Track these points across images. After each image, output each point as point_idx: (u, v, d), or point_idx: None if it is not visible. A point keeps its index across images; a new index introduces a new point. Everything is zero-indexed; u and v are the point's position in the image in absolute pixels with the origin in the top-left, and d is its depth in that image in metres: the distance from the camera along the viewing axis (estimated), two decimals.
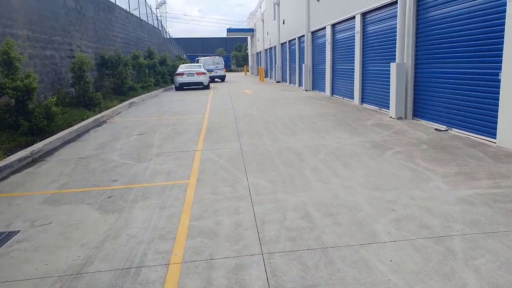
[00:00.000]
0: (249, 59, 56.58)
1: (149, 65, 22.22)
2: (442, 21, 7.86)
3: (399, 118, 9.09)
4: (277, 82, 28.34)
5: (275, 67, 30.16)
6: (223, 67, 31.97)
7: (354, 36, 12.48)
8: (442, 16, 7.85)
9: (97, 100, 12.30)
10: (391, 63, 9.10)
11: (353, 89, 12.73)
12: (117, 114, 12.15)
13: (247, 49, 63.72)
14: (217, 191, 4.65)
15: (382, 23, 10.46)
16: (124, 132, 8.83)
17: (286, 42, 24.98)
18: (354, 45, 12.46)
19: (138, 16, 25.17)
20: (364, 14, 11.58)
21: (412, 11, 8.56)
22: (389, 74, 9.96)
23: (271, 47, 32.16)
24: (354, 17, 12.26)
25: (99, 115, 10.83)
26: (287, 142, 7.11)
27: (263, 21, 36.26)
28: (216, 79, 30.72)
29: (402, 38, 8.76)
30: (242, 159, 6.07)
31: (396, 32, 9.29)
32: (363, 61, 11.92)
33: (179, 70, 22.99)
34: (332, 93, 15.46)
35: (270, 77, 34.10)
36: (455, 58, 7.50)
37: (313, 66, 18.54)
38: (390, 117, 9.31)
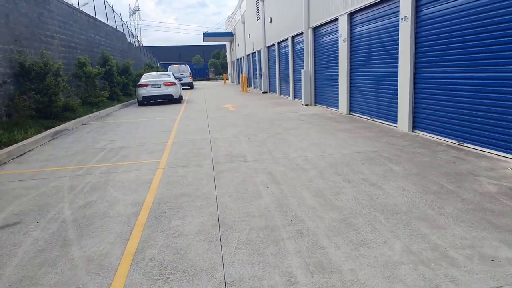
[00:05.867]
0: (228, 66, 52.10)
1: (102, 75, 17.34)
2: None
3: None
4: (263, 92, 23.89)
5: (260, 75, 25.74)
6: (188, 74, 33.60)
7: (396, 25, 8.11)
8: None
9: None
10: None
11: (395, 106, 8.31)
12: (19, 156, 7.31)
13: (225, 56, 59.32)
14: None
15: None
16: None
17: (274, 44, 20.58)
18: (396, 40, 8.09)
19: (93, 15, 20.29)
20: None
21: None
22: (490, 86, 5.59)
23: (255, 52, 27.76)
24: None
25: None
26: None
27: (244, 23, 31.88)
28: (183, 87, 31.16)
29: None
30: None
31: None
32: (415, 63, 7.53)
33: (142, 80, 18.22)
34: (351, 110, 11.03)
35: (254, 87, 29.65)
36: None
37: (315, 73, 14.12)
38: None
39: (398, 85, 8.02)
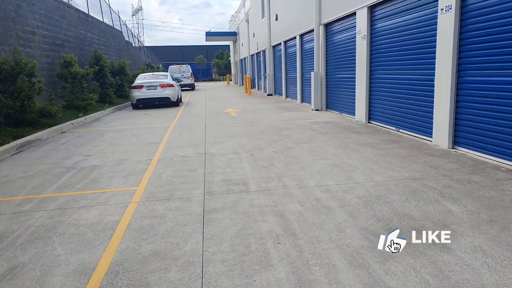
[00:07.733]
0: (231, 67, 50.71)
1: (92, 75, 15.95)
2: None
3: None
4: (268, 95, 22.43)
5: (264, 76, 24.31)
6: (189, 75, 31.17)
7: (432, 17, 6.64)
8: None
9: None
10: None
11: (429, 116, 6.83)
12: None
13: (229, 57, 57.96)
14: None
15: None
16: None
17: (280, 43, 19.13)
18: (432, 36, 6.62)
19: (86, 10, 18.91)
20: None
21: None
22: None
23: (259, 52, 26.32)
24: None
25: None
26: None
27: (248, 22, 30.47)
28: (183, 88, 29.81)
29: None
30: None
31: None
32: (458, 65, 6.05)
33: (137, 82, 16.78)
34: (370, 118, 9.56)
35: (259, 88, 28.21)
36: None
37: (327, 75, 12.66)
38: None
39: (435, 91, 6.54)
